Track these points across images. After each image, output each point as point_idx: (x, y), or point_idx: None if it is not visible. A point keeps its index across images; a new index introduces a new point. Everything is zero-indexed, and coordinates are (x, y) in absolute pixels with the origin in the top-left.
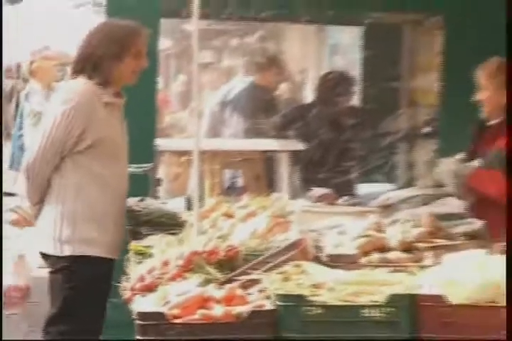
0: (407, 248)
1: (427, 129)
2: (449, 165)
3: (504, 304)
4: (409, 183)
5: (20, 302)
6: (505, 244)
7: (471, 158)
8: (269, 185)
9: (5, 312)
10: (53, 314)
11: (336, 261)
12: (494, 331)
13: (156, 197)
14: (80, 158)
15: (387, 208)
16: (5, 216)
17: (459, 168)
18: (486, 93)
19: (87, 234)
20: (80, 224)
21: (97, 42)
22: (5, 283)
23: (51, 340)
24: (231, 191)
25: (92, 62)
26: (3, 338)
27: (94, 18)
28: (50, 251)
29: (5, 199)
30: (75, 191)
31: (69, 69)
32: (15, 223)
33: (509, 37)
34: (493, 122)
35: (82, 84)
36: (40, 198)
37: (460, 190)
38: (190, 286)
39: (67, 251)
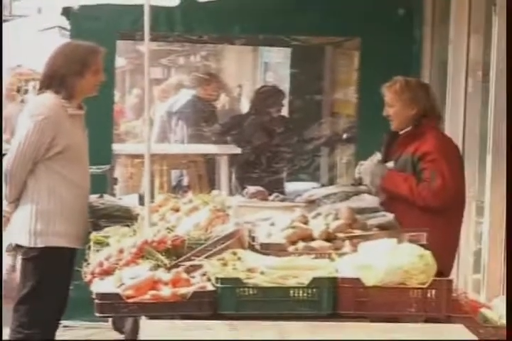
0: (328, 237)
1: (346, 135)
2: (367, 167)
3: (411, 286)
4: (330, 182)
5: None
6: (413, 234)
7: (384, 161)
8: (210, 183)
9: None
10: (23, 294)
11: (267, 249)
12: (402, 308)
13: (113, 194)
14: (50, 163)
15: (311, 203)
16: None
17: (375, 170)
18: (394, 109)
19: (59, 227)
20: (52, 219)
21: (62, 61)
22: None
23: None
24: (178, 189)
25: (58, 79)
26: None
27: (60, 39)
28: (25, 243)
29: None
30: (48, 192)
31: (37, 85)
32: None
33: (509, 40)
34: (402, 131)
35: (50, 98)
36: (16, 198)
37: (375, 188)
38: (142, 271)
39: (40, 242)
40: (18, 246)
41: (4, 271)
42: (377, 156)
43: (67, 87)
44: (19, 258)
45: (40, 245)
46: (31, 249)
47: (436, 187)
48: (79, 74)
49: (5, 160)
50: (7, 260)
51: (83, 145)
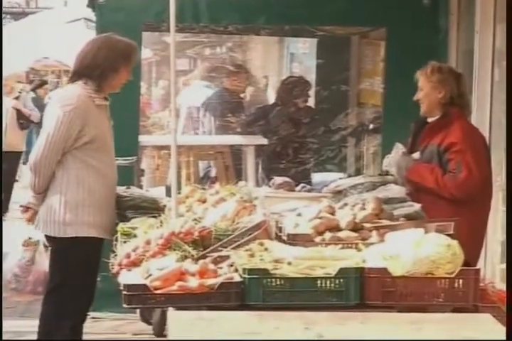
0: (355, 228)
1: (372, 126)
2: (392, 160)
3: (438, 275)
4: (357, 172)
5: None
6: (440, 223)
7: (410, 151)
8: (237, 174)
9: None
10: (53, 285)
11: (294, 240)
12: (429, 298)
13: (139, 186)
14: (78, 153)
15: (338, 194)
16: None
17: (400, 162)
18: (423, 92)
19: (87, 217)
20: (81, 209)
21: (105, 54)
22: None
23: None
24: (205, 180)
25: (97, 70)
26: (3, 338)
27: (85, 31)
28: (54, 233)
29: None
30: (76, 182)
31: (69, 74)
32: (30, 219)
33: (509, 39)
34: (430, 120)
35: (79, 89)
36: (44, 189)
37: (402, 179)
38: (169, 262)
39: (70, 232)
40: (46, 237)
41: (18, 265)
42: (400, 147)
43: (101, 79)
44: (42, 250)
45: (69, 235)
46: (60, 239)
47: (461, 178)
48: (116, 69)
49: (33, 151)
50: (24, 254)
51: (109, 136)
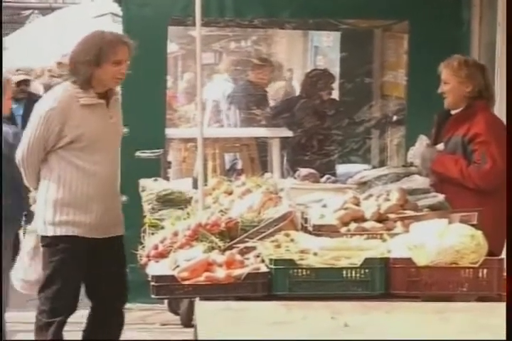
0: (380, 218)
1: (396, 117)
2: (416, 151)
3: (463, 265)
4: (381, 163)
5: None
6: (464, 214)
7: (434, 142)
8: (263, 166)
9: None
10: (42, 282)
11: (320, 230)
12: (454, 287)
13: (166, 178)
14: (63, 152)
15: (363, 185)
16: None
17: (425, 153)
18: (449, 85)
19: (67, 217)
20: (59, 209)
21: (78, 49)
22: None
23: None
24: (231, 172)
25: (73, 66)
26: (3, 338)
27: (113, 26)
28: (40, 231)
29: None
30: (58, 181)
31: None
32: None
33: (509, 37)
34: (454, 112)
35: (62, 89)
36: (36, 185)
37: (426, 171)
38: (196, 253)
39: (50, 231)
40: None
41: (27, 256)
42: (424, 139)
43: (81, 75)
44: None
45: (50, 233)
46: (45, 237)
47: (486, 169)
48: (94, 64)
49: (19, 148)
50: (28, 244)
51: (104, 134)
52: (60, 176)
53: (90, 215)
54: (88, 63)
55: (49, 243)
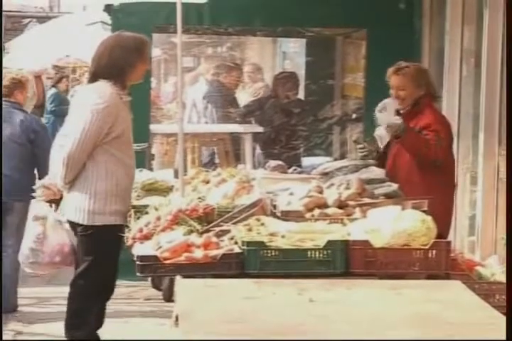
0: (341, 205)
1: (355, 115)
2: (386, 117)
3: (414, 247)
4: (342, 156)
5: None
6: (415, 201)
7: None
8: (236, 158)
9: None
10: (83, 269)
11: (287, 216)
12: (406, 266)
13: (150, 169)
14: (107, 146)
15: (326, 175)
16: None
17: (392, 121)
18: (406, 91)
19: (114, 206)
20: (109, 199)
21: (119, 53)
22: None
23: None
24: (209, 165)
25: (116, 69)
26: (3, 338)
27: (103, 33)
28: (83, 221)
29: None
30: (106, 173)
31: (88, 74)
32: (47, 196)
33: (509, 37)
34: (403, 110)
35: (106, 87)
36: (72, 179)
37: (388, 135)
38: (177, 235)
39: (98, 221)
40: (73, 224)
41: (34, 240)
42: (392, 105)
43: (122, 77)
44: (53, 224)
45: (98, 223)
46: (90, 226)
47: (443, 146)
48: (132, 65)
49: (67, 146)
50: (36, 230)
51: (131, 129)
52: (108, 169)
53: (128, 204)
54: (124, 64)
55: (94, 232)
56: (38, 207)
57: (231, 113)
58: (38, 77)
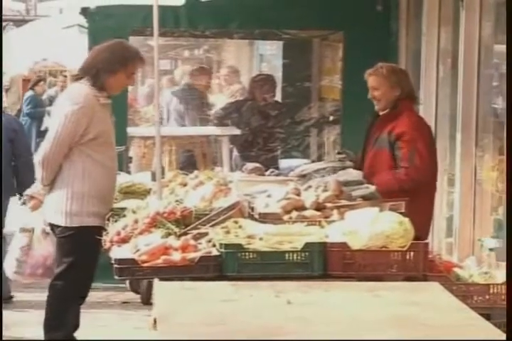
0: (318, 207)
1: (332, 118)
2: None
3: (392, 249)
4: (319, 158)
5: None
6: (393, 203)
7: (366, 141)
8: (214, 161)
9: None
10: (61, 271)
11: (265, 218)
12: (384, 268)
13: (128, 172)
14: (84, 148)
15: (303, 177)
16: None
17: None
18: (380, 91)
19: (92, 208)
20: (86, 200)
21: (105, 57)
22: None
23: None
24: (186, 167)
25: (95, 71)
26: (3, 338)
27: (79, 36)
28: (61, 223)
29: None
30: (82, 174)
31: (74, 73)
32: (35, 207)
33: (509, 37)
34: (382, 113)
35: (84, 88)
36: (51, 181)
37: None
38: (155, 238)
39: (75, 222)
40: (53, 226)
41: (18, 251)
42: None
43: (98, 78)
44: (39, 237)
45: (75, 224)
46: (67, 228)
47: (417, 165)
48: (112, 71)
49: (42, 147)
50: (22, 241)
51: (111, 131)
52: (84, 169)
53: (107, 205)
54: (110, 70)
55: (71, 233)
56: (25, 218)
57: (208, 115)
58: (26, 80)
